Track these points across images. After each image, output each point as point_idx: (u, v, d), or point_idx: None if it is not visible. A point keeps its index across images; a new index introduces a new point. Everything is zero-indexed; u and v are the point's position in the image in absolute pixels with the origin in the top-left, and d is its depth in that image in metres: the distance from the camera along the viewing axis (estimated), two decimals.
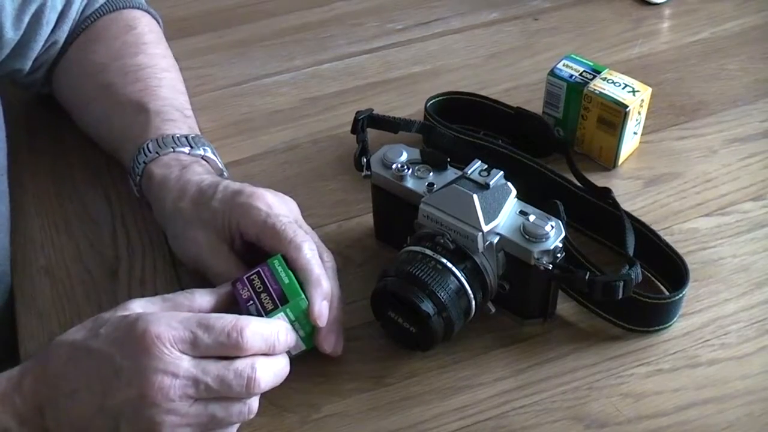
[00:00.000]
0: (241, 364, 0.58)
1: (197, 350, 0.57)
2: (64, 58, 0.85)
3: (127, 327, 0.58)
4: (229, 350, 0.58)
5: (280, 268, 0.64)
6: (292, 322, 0.63)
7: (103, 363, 0.57)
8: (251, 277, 0.64)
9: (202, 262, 0.69)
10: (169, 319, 0.58)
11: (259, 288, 0.64)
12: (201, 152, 0.75)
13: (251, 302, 0.63)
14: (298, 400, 0.66)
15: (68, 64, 0.85)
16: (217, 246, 0.69)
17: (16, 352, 0.71)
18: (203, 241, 0.69)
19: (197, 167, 0.74)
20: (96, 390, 0.57)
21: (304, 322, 0.64)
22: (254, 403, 0.60)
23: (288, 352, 0.64)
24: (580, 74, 0.82)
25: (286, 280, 0.64)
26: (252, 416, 0.61)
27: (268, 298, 0.63)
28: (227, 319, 0.58)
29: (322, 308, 0.64)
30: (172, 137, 0.75)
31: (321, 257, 0.67)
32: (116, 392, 0.56)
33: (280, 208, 0.68)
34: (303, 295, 0.63)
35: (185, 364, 0.57)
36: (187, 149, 0.75)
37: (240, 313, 0.62)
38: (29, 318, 0.73)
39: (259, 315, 0.62)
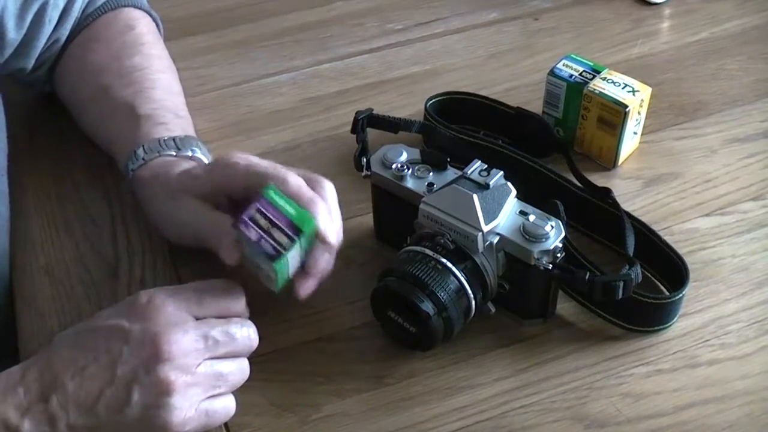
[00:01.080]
0: (238, 319, 0.63)
1: (200, 310, 0.61)
2: (65, 56, 0.85)
3: (129, 301, 0.61)
4: (230, 304, 0.62)
5: (277, 197, 0.62)
6: (301, 251, 0.63)
7: (110, 334, 0.59)
8: (252, 216, 0.61)
9: (195, 225, 0.69)
10: (168, 288, 0.61)
11: (267, 225, 0.61)
12: (188, 153, 0.75)
13: (262, 241, 0.61)
14: (298, 400, 0.67)
15: (69, 63, 0.85)
16: (205, 206, 0.68)
17: (16, 352, 0.71)
18: (191, 205, 0.69)
19: (184, 163, 0.74)
20: (105, 362, 0.58)
21: (307, 245, 0.63)
22: (247, 364, 0.63)
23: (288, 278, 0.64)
24: (580, 74, 0.82)
25: (292, 210, 0.62)
26: (248, 375, 0.63)
27: (280, 233, 0.61)
28: (222, 281, 0.64)
29: (328, 227, 0.64)
30: (159, 141, 0.75)
31: (317, 181, 0.67)
32: (128, 358, 0.58)
33: (258, 159, 0.68)
34: (314, 220, 0.62)
35: (192, 321, 0.60)
36: (173, 152, 0.75)
37: (250, 254, 0.63)
38: (29, 318, 0.73)
39: (277, 253, 0.61)
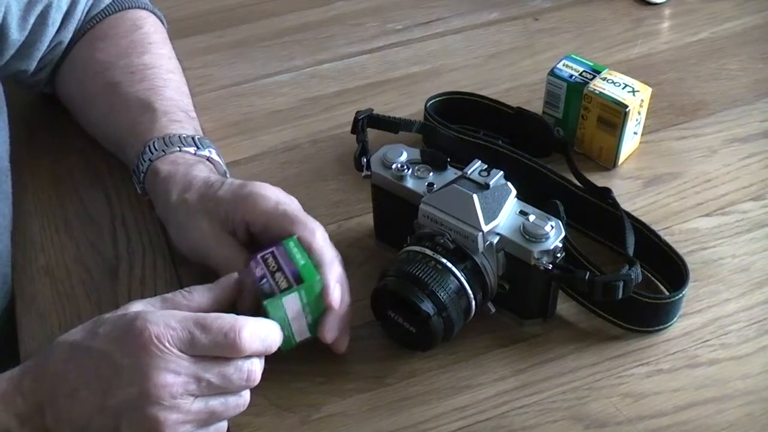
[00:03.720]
0: (237, 361, 0.59)
1: (195, 350, 0.57)
2: (69, 57, 0.85)
3: (125, 326, 0.58)
4: (226, 351, 0.58)
5: (295, 249, 0.64)
6: (303, 305, 0.63)
7: (103, 362, 0.57)
8: (265, 256, 0.64)
9: (205, 251, 0.69)
10: (167, 318, 0.58)
11: (274, 267, 0.63)
12: (206, 153, 0.76)
13: (264, 280, 0.63)
14: (298, 400, 0.67)
15: (73, 63, 0.85)
16: (220, 234, 0.69)
17: (16, 352, 0.71)
18: (207, 229, 0.69)
19: (202, 166, 0.74)
20: (96, 389, 0.57)
21: (314, 307, 0.64)
22: (247, 394, 0.61)
23: (293, 339, 0.65)
24: (580, 74, 0.82)
25: (302, 261, 0.63)
26: (246, 407, 0.61)
27: (282, 277, 0.63)
28: (225, 320, 0.58)
29: (336, 290, 0.64)
30: (179, 137, 0.75)
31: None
32: (117, 391, 0.56)
33: (287, 198, 0.69)
34: (319, 278, 0.63)
35: (185, 362, 0.57)
36: (193, 149, 0.75)
37: (250, 294, 0.63)
38: (29, 318, 0.73)
39: (272, 293, 0.62)
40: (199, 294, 0.63)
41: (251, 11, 1.06)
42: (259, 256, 0.64)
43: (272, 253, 0.64)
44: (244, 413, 0.63)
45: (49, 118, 0.90)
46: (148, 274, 0.76)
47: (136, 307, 0.61)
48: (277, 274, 0.63)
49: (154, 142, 0.75)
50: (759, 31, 1.00)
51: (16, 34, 0.78)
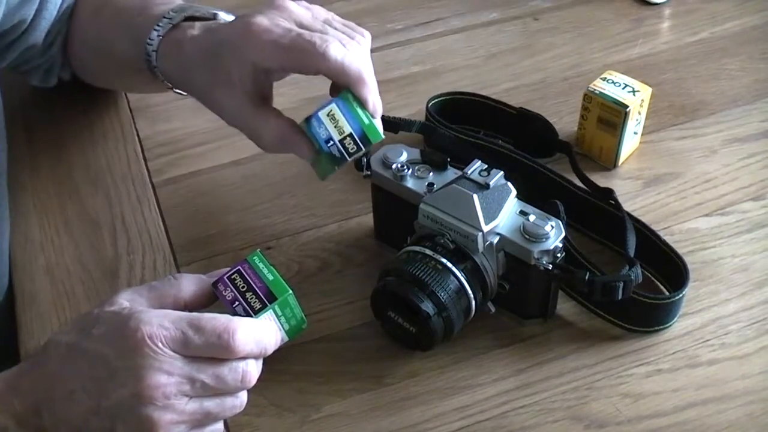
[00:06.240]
0: (231, 362, 0.58)
1: (188, 350, 0.57)
2: (77, 16, 0.83)
3: (119, 326, 0.57)
4: (219, 352, 0.57)
5: (261, 264, 0.63)
6: (278, 318, 0.62)
7: (98, 364, 0.57)
8: (232, 276, 0.63)
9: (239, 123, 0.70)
10: (160, 318, 0.57)
11: (243, 287, 0.62)
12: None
13: (237, 303, 0.62)
14: (298, 400, 0.67)
15: (85, 18, 0.83)
16: (247, 104, 0.69)
17: (16, 352, 0.71)
18: (229, 104, 0.69)
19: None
20: (92, 391, 0.57)
21: (289, 316, 0.63)
22: (244, 395, 0.61)
23: None
24: None
25: (270, 277, 0.62)
26: (243, 408, 0.61)
27: (254, 297, 0.62)
28: (219, 321, 0.58)
29: (376, 103, 0.66)
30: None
31: (353, 39, 0.67)
32: (112, 392, 0.56)
33: (284, 20, 0.68)
34: (290, 290, 0.62)
35: (179, 362, 0.56)
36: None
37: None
38: (29, 318, 0.73)
39: (247, 315, 0.61)
40: (186, 282, 0.63)
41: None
42: (225, 277, 0.63)
43: (238, 271, 0.63)
44: (244, 413, 0.62)
45: (49, 118, 0.90)
46: (148, 274, 0.76)
47: (124, 299, 0.61)
48: (248, 295, 0.62)
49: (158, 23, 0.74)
50: (759, 31, 1.00)
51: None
